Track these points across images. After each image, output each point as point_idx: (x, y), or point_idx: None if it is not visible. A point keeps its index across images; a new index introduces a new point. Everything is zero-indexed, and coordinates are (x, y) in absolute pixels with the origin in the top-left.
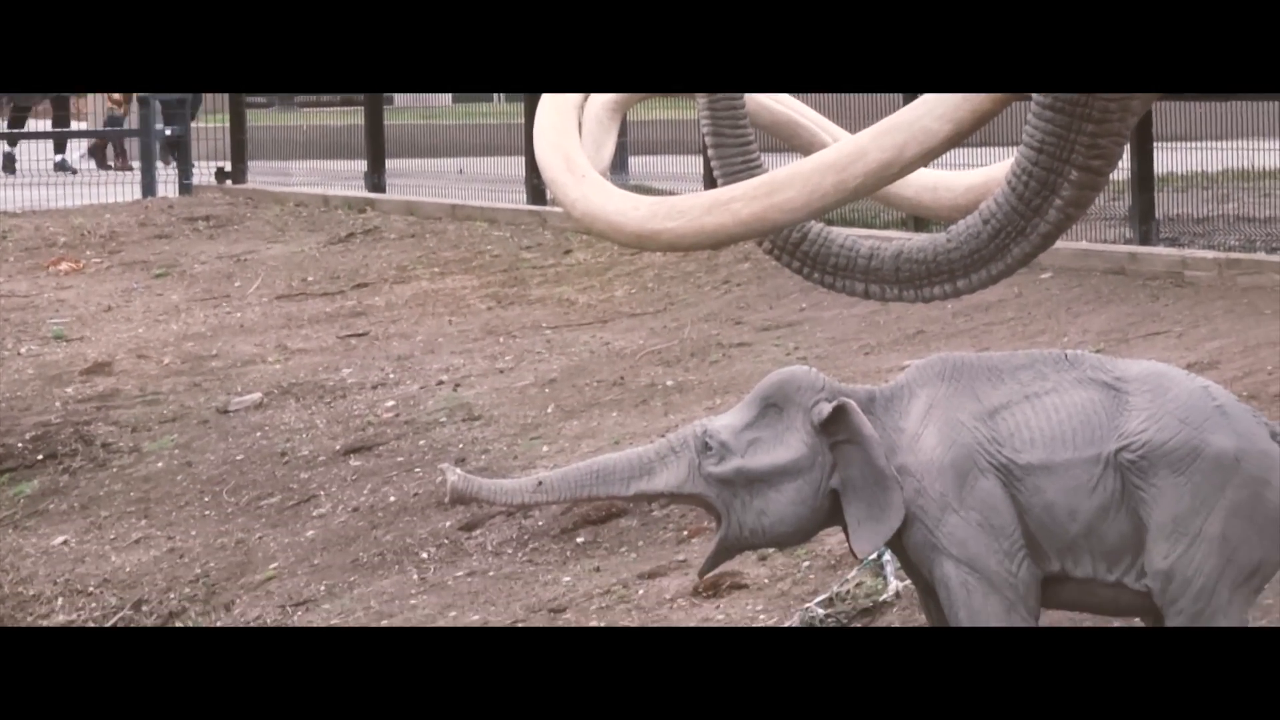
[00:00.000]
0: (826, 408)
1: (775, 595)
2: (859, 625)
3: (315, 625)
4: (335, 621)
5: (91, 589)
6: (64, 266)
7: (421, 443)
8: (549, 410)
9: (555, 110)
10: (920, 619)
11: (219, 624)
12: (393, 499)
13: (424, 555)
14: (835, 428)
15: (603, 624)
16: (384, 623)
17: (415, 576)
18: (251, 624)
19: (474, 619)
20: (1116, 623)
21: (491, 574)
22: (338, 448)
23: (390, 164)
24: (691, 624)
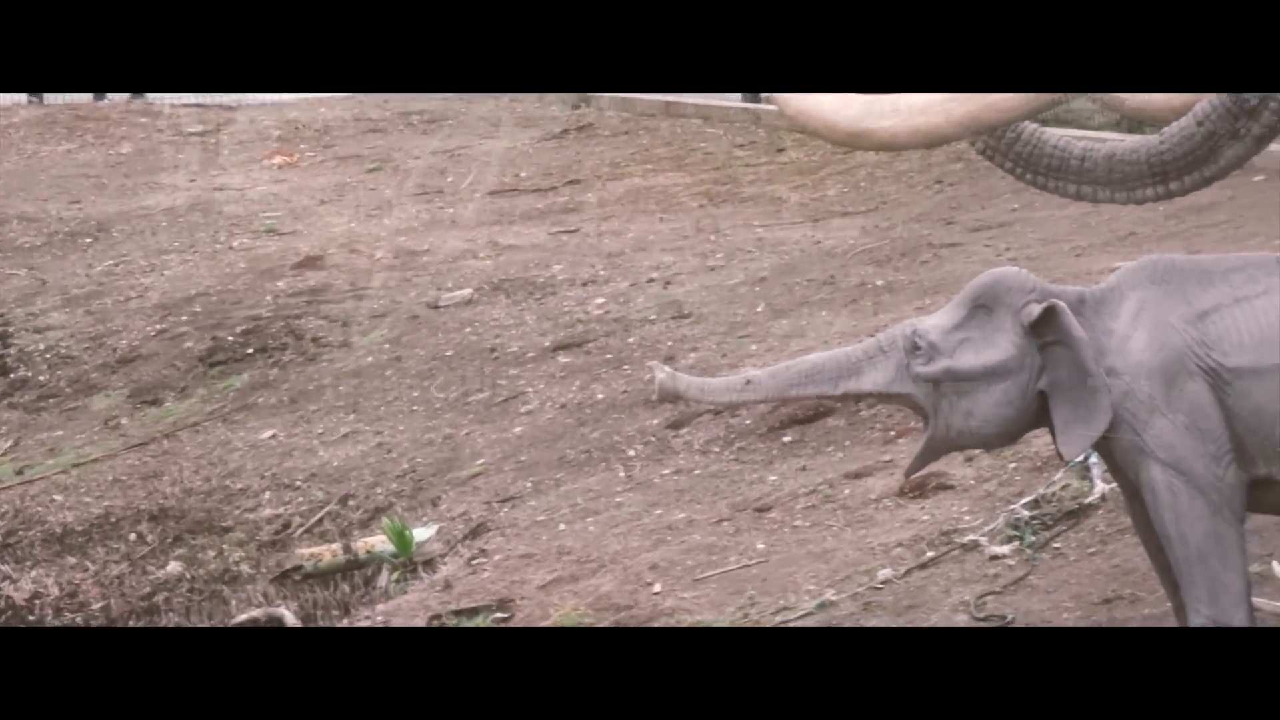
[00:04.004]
0: (1036, 309)
1: (980, 496)
2: (1064, 527)
3: (520, 521)
4: (541, 518)
5: (299, 483)
6: (278, 160)
7: (630, 340)
8: (758, 309)
9: None
10: (1125, 522)
11: (424, 519)
12: (601, 396)
13: (631, 453)
14: (1044, 329)
15: (808, 524)
16: (589, 520)
17: (622, 474)
18: (457, 519)
19: (679, 517)
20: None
21: (698, 472)
22: (547, 344)
23: None
24: (896, 524)
